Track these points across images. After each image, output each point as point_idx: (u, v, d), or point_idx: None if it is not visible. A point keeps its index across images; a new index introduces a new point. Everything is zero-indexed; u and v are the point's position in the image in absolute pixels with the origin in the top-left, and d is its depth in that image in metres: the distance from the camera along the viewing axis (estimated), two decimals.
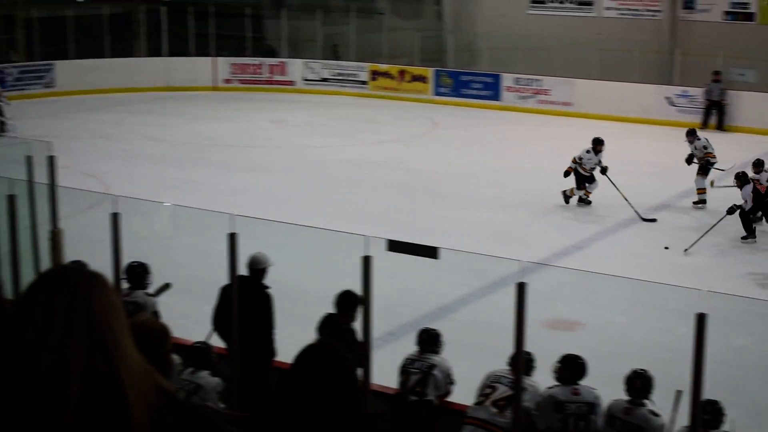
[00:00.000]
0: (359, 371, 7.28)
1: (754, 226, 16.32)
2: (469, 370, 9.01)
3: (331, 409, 3.23)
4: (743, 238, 16.19)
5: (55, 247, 10.43)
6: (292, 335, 9.02)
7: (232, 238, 7.73)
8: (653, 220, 17.38)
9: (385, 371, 8.62)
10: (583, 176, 18.32)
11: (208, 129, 26.24)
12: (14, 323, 2.15)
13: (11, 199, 9.76)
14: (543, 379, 8.30)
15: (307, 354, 3.33)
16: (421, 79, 31.55)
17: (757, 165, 17.25)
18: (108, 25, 33.16)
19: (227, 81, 33.29)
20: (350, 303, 8.84)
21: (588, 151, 18.34)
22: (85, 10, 33.55)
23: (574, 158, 18.40)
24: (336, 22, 34.09)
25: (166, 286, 10.20)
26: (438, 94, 31.24)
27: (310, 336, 9.31)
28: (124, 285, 9.55)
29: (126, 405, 2.12)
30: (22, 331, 2.12)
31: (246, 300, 8.54)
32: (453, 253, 14.37)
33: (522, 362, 7.40)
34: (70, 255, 10.57)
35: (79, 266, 2.28)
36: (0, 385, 2.08)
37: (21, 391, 2.07)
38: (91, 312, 2.14)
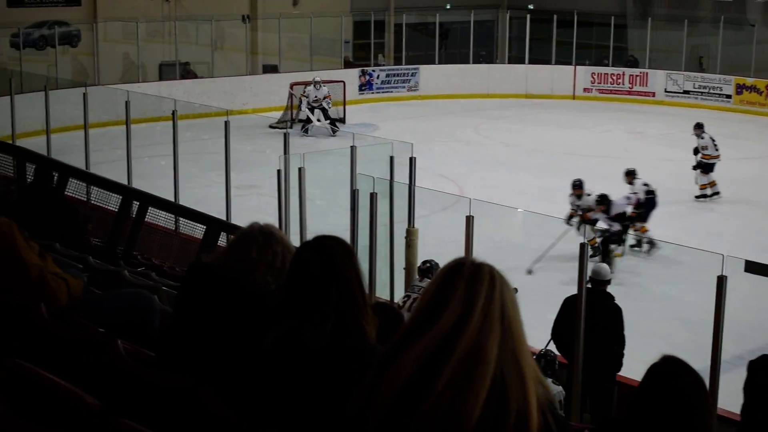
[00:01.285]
0: None
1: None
2: None
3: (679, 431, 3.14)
4: (591, 257, 13.73)
5: (409, 245, 10.81)
6: (635, 350, 8.90)
7: (582, 248, 7.69)
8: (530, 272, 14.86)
9: (731, 396, 8.25)
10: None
11: (564, 137, 26.21)
12: (432, 308, 2.32)
13: (373, 197, 10.22)
14: None
15: (656, 372, 3.26)
16: None
17: (629, 174, 16.28)
18: (474, 32, 33.93)
19: (586, 90, 33.10)
20: None
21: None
22: (452, 17, 34.54)
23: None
24: (702, 33, 33.02)
25: (513, 291, 10.28)
26: None
27: (654, 353, 9.07)
28: None
29: (527, 393, 2.25)
30: (440, 314, 2.29)
31: (592, 312, 8.46)
32: None
33: None
34: (422, 254, 10.91)
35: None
36: (418, 367, 2.23)
37: (438, 372, 2.22)
38: (504, 302, 2.33)
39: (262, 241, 3.45)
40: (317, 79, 26.96)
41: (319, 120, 26.17)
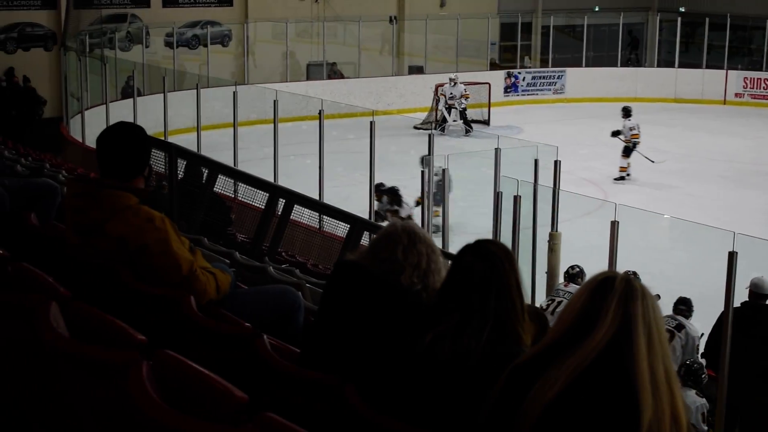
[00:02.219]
0: None
1: None
2: None
3: None
4: None
5: (552, 250, 10.72)
6: None
7: (731, 257, 7.48)
8: None
9: None
10: None
11: (714, 144, 25.58)
12: (580, 322, 2.36)
13: (516, 200, 10.17)
14: None
15: None
16: None
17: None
18: (623, 35, 33.43)
19: (738, 95, 32.18)
20: None
21: None
22: (601, 19, 34.09)
23: None
24: None
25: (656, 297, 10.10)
26: None
27: None
28: None
29: (678, 413, 2.30)
30: (591, 330, 2.33)
31: (754, 326, 8.28)
32: None
33: None
34: (565, 258, 10.81)
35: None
36: (572, 380, 2.26)
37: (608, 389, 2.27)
38: (657, 321, 2.37)
39: (407, 241, 3.44)
40: (452, 76, 26.95)
41: (455, 120, 26.17)
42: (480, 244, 3.06)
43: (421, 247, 3.45)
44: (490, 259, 2.97)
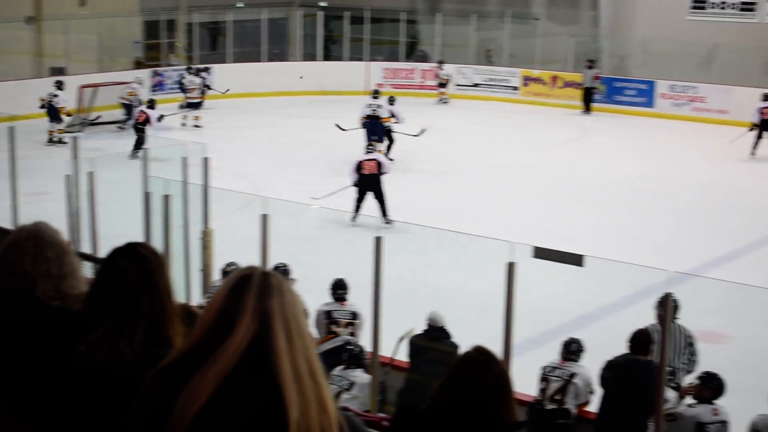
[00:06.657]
0: None
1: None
2: None
3: (485, 419, 3.20)
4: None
5: (205, 247, 10.72)
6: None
7: (378, 241, 7.79)
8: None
9: (523, 378, 8.54)
10: None
11: (359, 133, 26.40)
12: (220, 323, 2.30)
13: (166, 199, 10.08)
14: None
15: (465, 363, 3.32)
16: (573, 85, 31.13)
17: None
18: (267, 30, 33.89)
19: (379, 86, 33.45)
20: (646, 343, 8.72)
21: None
22: (244, 15, 34.39)
23: None
24: (490, 28, 33.99)
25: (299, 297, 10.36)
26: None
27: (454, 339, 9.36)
28: None
29: (321, 390, 2.28)
30: (231, 330, 2.27)
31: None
32: (598, 261, 14.09)
33: (664, 374, 7.29)
34: (219, 255, 10.85)
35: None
36: (218, 386, 2.22)
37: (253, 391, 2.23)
38: (296, 314, 2.32)
39: (34, 249, 3.25)
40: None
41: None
42: (131, 247, 3.01)
43: (50, 253, 3.31)
44: (143, 263, 2.93)
